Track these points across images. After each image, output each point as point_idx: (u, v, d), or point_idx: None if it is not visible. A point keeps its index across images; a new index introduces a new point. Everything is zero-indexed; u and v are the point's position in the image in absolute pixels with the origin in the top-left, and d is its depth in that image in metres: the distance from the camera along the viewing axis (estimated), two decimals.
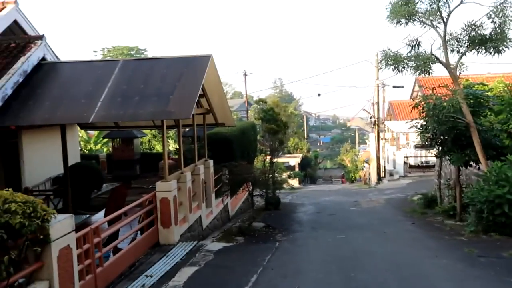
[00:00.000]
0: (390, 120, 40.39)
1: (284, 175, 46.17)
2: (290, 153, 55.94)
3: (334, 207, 20.43)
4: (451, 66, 11.76)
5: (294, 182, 46.16)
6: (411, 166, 34.78)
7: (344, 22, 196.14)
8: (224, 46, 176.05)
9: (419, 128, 14.11)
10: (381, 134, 36.00)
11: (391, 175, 33.60)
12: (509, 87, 15.44)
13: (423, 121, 13.26)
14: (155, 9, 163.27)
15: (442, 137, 13.29)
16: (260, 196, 14.32)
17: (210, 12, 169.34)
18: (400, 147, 38.20)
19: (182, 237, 11.53)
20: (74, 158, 16.46)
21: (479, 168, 13.95)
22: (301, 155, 55.03)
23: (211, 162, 14.75)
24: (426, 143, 14.91)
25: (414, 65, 11.09)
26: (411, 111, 12.30)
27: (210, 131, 17.79)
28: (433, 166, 35.58)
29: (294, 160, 52.03)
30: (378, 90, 33.91)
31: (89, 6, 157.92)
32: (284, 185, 41.15)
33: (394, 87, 33.92)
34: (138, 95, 11.13)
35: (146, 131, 31.31)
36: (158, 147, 33.28)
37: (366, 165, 49.83)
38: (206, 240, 11.80)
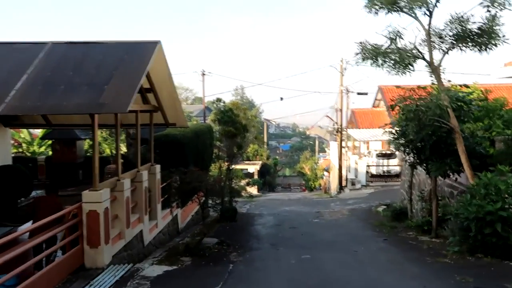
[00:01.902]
0: (352, 128, 39.47)
1: (243, 182, 44.58)
2: (249, 160, 54.25)
3: (296, 219, 18.74)
4: (435, 64, 10.32)
5: (253, 190, 44.48)
6: (373, 175, 33.82)
7: (309, 27, 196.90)
8: (184, 50, 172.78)
9: (394, 134, 12.67)
10: (343, 143, 34.88)
11: (353, 184, 32.45)
12: (484, 93, 14.37)
13: (402, 125, 11.79)
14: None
15: (420, 144, 11.87)
16: (213, 207, 12.37)
17: (165, 13, 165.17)
18: (362, 155, 37.29)
19: (116, 258, 9.43)
20: (3, 160, 13.96)
21: (456, 179, 12.64)
22: (260, 162, 53.41)
23: (157, 167, 12.70)
24: (400, 150, 13.49)
25: (396, 58, 9.56)
26: (391, 111, 10.71)
27: (160, 133, 15.71)
28: (395, 175, 34.95)
29: (253, 167, 50.35)
30: (342, 97, 32.81)
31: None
32: (242, 193, 39.53)
33: (359, 93, 32.99)
34: (64, 84, 9.04)
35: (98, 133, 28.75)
36: (109, 151, 30.66)
37: (326, 173, 48.84)
38: (144, 262, 9.73)
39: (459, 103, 11.03)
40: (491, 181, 9.34)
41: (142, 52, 10.16)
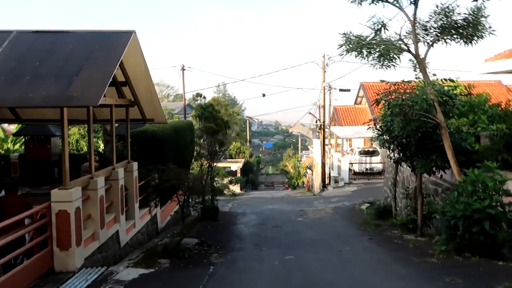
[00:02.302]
0: (335, 125, 39.27)
1: (225, 180, 44.12)
2: (232, 158, 53.79)
3: (279, 217, 18.38)
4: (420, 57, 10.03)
5: (236, 188, 44.02)
6: (355, 173, 33.73)
7: (291, 22, 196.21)
8: (163, 46, 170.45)
9: (378, 130, 12.39)
10: (326, 140, 34.65)
11: (336, 182, 32.25)
12: (467, 88, 14.19)
13: (387, 121, 11.50)
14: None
15: (405, 140, 11.61)
16: (193, 206, 11.88)
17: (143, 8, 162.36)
18: (345, 153, 37.15)
19: (89, 260, 8.91)
20: None
21: (441, 176, 12.44)
22: (243, 160, 52.99)
23: (135, 165, 12.16)
24: (385, 147, 13.21)
25: (381, 50, 9.23)
26: (375, 106, 10.38)
27: (138, 129, 15.14)
28: (378, 173, 34.95)
29: (236, 165, 49.92)
30: (324, 93, 32.54)
31: None
32: (225, 191, 39.04)
33: (341, 90, 32.76)
34: (30, 75, 8.45)
35: (74, 130, 27.95)
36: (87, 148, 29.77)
37: (309, 171, 48.64)
38: (120, 265, 9.22)
39: (444, 98, 10.76)
40: (478, 178, 9.08)
41: (115, 42, 9.61)
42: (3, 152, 26.44)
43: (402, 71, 11.25)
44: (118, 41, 9.50)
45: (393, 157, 13.51)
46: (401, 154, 12.21)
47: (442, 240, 9.75)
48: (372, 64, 10.93)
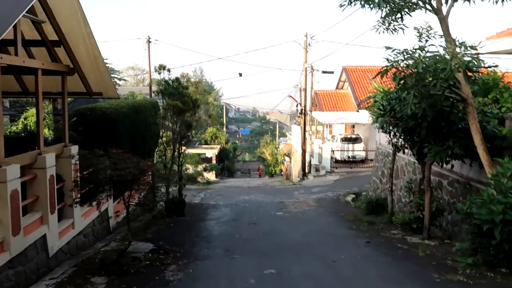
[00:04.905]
0: (315, 110, 37.03)
1: (200, 167, 41.43)
2: (207, 144, 51.15)
3: (256, 211, 16.04)
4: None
5: (211, 176, 41.48)
6: (337, 161, 31.66)
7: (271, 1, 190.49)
8: (133, 23, 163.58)
9: (379, 109, 10.11)
10: (306, 126, 32.38)
11: (317, 170, 30.11)
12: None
13: (391, 98, 9.19)
14: None
15: (413, 122, 9.34)
16: (138, 205, 9.27)
17: None
18: (325, 140, 35.03)
19: None
20: None
21: (452, 167, 10.24)
22: (219, 146, 50.41)
23: (73, 149, 9.56)
24: (385, 131, 10.96)
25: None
26: (379, 77, 7.97)
27: (85, 106, 12.46)
28: (361, 161, 32.98)
29: (211, 152, 47.35)
30: (306, 75, 30.15)
31: None
32: (199, 179, 36.48)
33: (324, 72, 30.43)
34: None
35: (32, 111, 24.71)
36: (48, 132, 26.49)
37: (287, 158, 46.48)
38: (39, 283, 6.68)
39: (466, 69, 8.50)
40: None
41: None
42: None
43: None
44: None
45: (394, 143, 11.27)
46: (408, 138, 9.97)
47: (467, 250, 7.60)
48: (376, 25, 8.66)
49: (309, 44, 29.86)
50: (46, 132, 20.55)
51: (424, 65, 7.06)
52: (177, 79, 14.62)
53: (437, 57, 7.37)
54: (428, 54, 7.37)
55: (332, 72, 31.59)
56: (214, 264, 8.29)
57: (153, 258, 8.33)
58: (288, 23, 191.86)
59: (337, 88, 41.65)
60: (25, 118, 16.14)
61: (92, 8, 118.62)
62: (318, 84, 36.71)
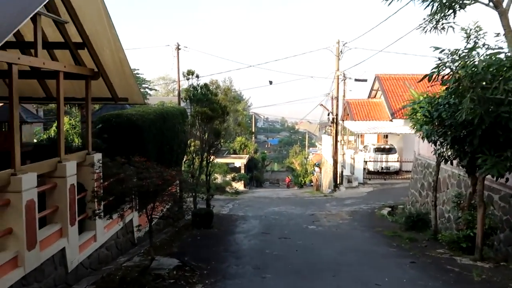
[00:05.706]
0: (347, 120, 35.98)
1: (228, 177, 40.91)
2: (236, 153, 50.70)
3: (287, 224, 15.25)
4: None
5: (239, 185, 40.88)
6: (370, 172, 30.46)
7: (304, 10, 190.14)
8: (167, 35, 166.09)
9: (425, 115, 9.23)
10: (338, 135, 31.36)
11: (349, 181, 29.03)
12: None
13: (440, 103, 8.32)
14: None
15: (464, 131, 8.42)
16: (162, 218, 8.64)
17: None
18: (358, 150, 33.88)
19: None
20: None
21: (507, 180, 9.21)
22: (247, 156, 49.87)
23: (96, 156, 9.07)
24: (430, 140, 10.04)
25: None
26: (419, 84, 7.12)
27: (111, 112, 12.06)
28: (395, 172, 31.67)
29: (240, 161, 46.86)
30: (338, 83, 29.26)
31: None
32: (227, 188, 35.91)
33: (356, 80, 29.45)
34: None
35: (65, 119, 24.83)
36: (78, 141, 26.59)
37: (317, 169, 45.42)
38: None
39: None
40: None
41: None
42: None
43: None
44: None
45: (441, 153, 10.31)
46: (457, 149, 9.02)
47: None
48: (423, 24, 7.86)
49: (341, 51, 29.01)
50: (76, 141, 20.35)
51: (485, 64, 6.19)
52: (205, 85, 14.08)
53: (499, 56, 6.48)
54: (488, 52, 6.49)
55: (365, 80, 30.61)
56: (244, 284, 7.57)
57: (177, 276, 7.68)
58: (320, 30, 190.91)
59: (369, 97, 40.50)
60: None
61: (123, 18, 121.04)
62: (350, 92, 35.78)
